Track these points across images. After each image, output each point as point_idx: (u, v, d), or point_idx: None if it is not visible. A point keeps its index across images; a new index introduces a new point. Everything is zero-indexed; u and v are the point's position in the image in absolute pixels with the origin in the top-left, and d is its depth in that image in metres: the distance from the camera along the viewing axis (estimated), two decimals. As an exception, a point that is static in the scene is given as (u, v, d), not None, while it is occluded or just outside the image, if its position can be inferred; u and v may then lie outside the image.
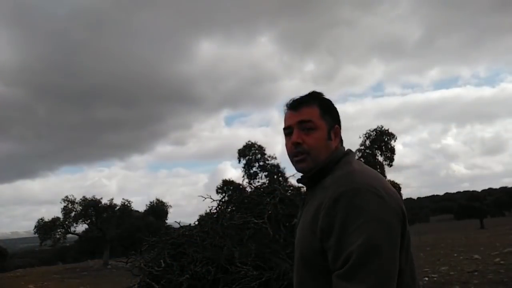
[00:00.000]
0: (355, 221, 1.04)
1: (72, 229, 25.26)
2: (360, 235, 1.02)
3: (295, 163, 1.26)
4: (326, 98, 1.31)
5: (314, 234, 1.12)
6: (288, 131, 1.27)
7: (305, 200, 1.29)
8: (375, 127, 27.07)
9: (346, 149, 1.30)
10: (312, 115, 1.24)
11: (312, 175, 1.23)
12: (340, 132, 1.29)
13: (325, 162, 1.22)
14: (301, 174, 1.30)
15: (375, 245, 1.01)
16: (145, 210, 31.78)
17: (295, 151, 1.24)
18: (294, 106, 1.27)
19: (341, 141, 1.30)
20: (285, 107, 1.31)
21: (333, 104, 1.31)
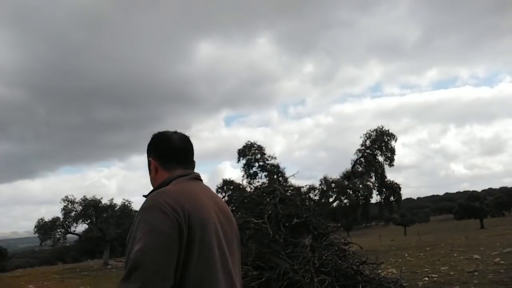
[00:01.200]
0: (139, 233, 1.26)
1: (72, 229, 25.24)
2: (138, 244, 1.23)
3: None
4: (152, 136, 1.59)
5: None
6: None
7: None
8: (374, 127, 27.05)
9: (180, 173, 1.49)
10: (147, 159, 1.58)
11: None
12: (154, 162, 1.54)
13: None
14: None
15: (147, 251, 1.22)
16: (145, 210, 31.72)
17: None
18: None
19: (167, 167, 1.52)
20: None
21: (152, 139, 1.58)
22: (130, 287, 1.19)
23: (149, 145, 1.58)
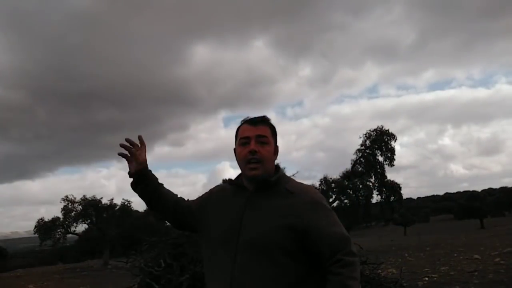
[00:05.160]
0: (335, 218, 1.55)
1: (72, 229, 25.22)
2: (341, 227, 1.54)
3: (248, 169, 1.52)
4: (273, 124, 1.63)
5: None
6: (245, 141, 1.55)
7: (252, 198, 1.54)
8: (371, 127, 26.97)
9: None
10: (266, 132, 1.57)
11: (269, 181, 1.53)
12: (278, 152, 1.62)
13: (278, 174, 1.56)
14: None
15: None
16: (145, 210, 31.73)
17: (250, 157, 1.52)
18: (253, 122, 1.58)
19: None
20: (242, 122, 1.62)
21: (276, 130, 1.64)
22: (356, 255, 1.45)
23: (275, 131, 1.64)
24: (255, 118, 1.60)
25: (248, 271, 1.42)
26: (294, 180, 1.59)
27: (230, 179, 1.63)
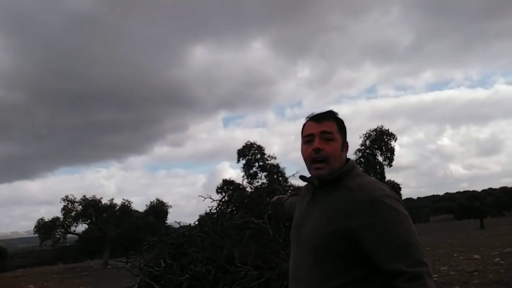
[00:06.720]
0: (400, 219, 1.37)
1: (72, 229, 25.21)
2: (409, 231, 1.36)
3: (313, 168, 1.45)
4: (340, 118, 1.52)
5: None
6: (309, 138, 1.47)
7: (316, 197, 1.49)
8: (370, 127, 27.04)
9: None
10: (332, 128, 1.45)
11: (332, 179, 1.43)
12: (347, 144, 1.51)
13: (340, 170, 1.44)
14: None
15: (417, 237, 1.37)
16: (145, 210, 31.75)
17: (315, 156, 1.43)
18: (317, 118, 1.49)
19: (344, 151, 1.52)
20: (307, 119, 1.53)
21: (344, 123, 1.52)
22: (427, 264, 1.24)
23: (344, 126, 1.51)
24: (319, 113, 1.51)
25: (302, 269, 1.42)
26: (362, 176, 1.44)
27: (302, 176, 1.56)
